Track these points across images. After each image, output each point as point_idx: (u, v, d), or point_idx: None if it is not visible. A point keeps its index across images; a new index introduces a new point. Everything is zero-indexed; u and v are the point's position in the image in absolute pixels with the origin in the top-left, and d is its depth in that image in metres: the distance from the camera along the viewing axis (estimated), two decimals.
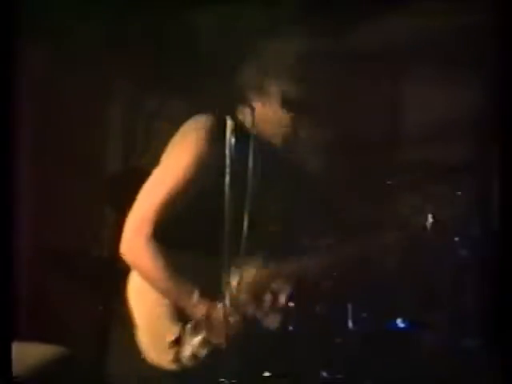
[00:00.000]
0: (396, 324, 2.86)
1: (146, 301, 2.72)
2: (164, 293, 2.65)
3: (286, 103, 2.71)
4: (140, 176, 2.68)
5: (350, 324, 2.80)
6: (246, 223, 2.45)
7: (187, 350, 2.64)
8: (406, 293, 2.92)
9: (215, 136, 2.61)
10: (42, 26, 3.07)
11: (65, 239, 3.32)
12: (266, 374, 2.67)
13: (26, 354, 2.75)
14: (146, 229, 2.61)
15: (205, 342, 2.63)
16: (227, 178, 2.38)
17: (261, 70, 2.72)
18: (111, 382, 2.70)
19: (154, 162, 2.69)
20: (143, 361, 2.66)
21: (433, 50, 3.08)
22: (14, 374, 2.45)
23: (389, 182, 3.03)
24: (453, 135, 3.15)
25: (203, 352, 2.63)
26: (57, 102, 3.30)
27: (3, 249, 2.45)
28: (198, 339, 2.64)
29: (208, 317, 2.62)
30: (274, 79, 2.71)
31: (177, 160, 2.66)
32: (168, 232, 2.63)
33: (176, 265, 2.64)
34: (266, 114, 2.73)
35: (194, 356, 2.63)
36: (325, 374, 2.74)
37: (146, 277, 2.67)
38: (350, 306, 2.81)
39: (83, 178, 3.34)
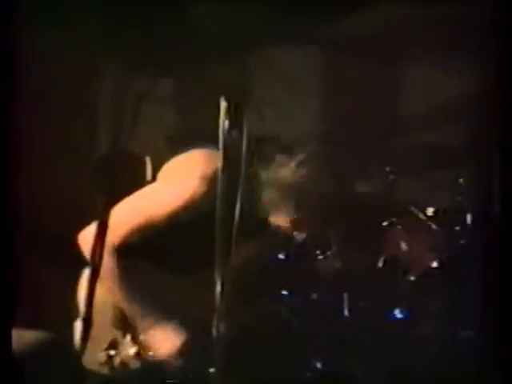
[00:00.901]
0: (394, 314, 2.84)
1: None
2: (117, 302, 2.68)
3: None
4: (127, 160, 2.68)
5: (347, 313, 2.79)
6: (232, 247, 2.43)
7: (119, 357, 2.67)
8: (404, 282, 2.90)
9: (208, 177, 2.57)
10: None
11: (64, 225, 3.32)
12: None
13: (25, 339, 2.77)
14: (113, 240, 2.61)
15: (139, 356, 2.67)
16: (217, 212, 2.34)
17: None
18: None
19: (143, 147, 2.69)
20: None
21: (433, 35, 3.06)
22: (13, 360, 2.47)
23: (387, 169, 3.02)
24: (453, 122, 3.13)
25: (136, 363, 2.67)
26: (49, 87, 3.31)
27: (2, 236, 2.45)
28: (133, 350, 2.68)
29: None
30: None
31: (166, 194, 2.65)
32: (139, 246, 2.65)
33: (139, 280, 2.66)
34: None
35: (125, 364, 2.65)
36: (319, 364, 2.73)
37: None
38: (346, 295, 2.80)
39: (80, 164, 3.35)
